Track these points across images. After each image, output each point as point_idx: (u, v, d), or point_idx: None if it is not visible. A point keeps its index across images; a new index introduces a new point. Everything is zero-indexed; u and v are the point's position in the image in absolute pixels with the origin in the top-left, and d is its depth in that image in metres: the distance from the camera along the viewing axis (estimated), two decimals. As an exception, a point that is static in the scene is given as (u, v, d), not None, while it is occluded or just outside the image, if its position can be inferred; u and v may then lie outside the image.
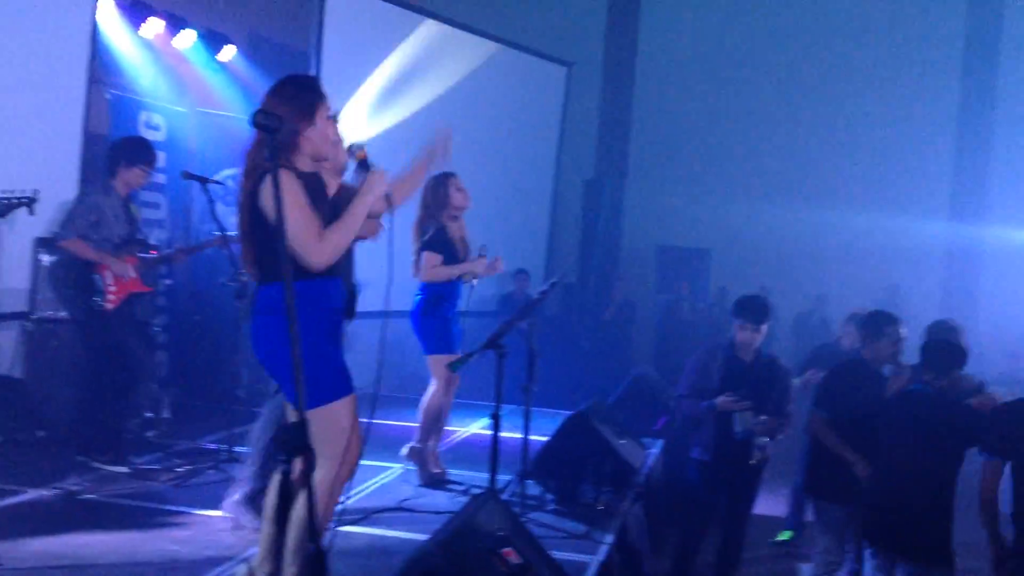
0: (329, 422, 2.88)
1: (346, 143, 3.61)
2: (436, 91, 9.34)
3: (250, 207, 2.88)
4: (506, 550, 2.97)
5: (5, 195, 3.77)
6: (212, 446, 5.50)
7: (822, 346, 6.89)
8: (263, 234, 2.86)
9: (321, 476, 2.85)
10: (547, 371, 8.80)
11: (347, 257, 3.49)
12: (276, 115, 2.27)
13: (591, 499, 4.92)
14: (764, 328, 4.96)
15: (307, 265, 2.87)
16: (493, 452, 4.11)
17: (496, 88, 10.19)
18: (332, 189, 3.14)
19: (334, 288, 3.05)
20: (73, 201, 5.05)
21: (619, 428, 5.52)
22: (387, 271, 3.00)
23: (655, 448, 6.23)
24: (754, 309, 4.98)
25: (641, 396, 7.20)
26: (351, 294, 4.41)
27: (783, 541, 6.46)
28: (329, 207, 3.04)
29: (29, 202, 3.82)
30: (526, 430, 4.65)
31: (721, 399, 4.86)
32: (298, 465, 2.95)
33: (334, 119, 3.16)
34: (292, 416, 2.98)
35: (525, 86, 10.75)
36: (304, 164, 3.00)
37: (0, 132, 5.46)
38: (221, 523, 4.19)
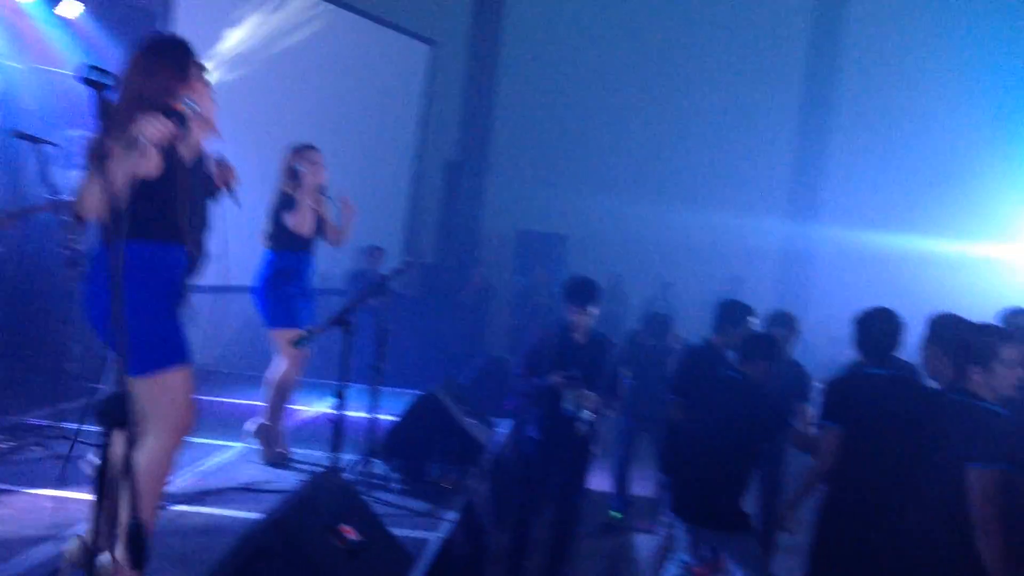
0: (163, 391, 2.79)
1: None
2: (291, 60, 9.11)
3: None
4: (344, 527, 2.96)
5: None
6: (38, 422, 5.21)
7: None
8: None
9: (153, 447, 2.76)
10: (401, 352, 8.80)
11: (197, 226, 3.37)
12: (107, 71, 2.16)
13: (437, 477, 4.96)
14: (592, 310, 5.11)
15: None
16: (336, 430, 4.07)
17: (355, 62, 10.02)
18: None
19: (175, 254, 2.94)
20: None
21: (469, 408, 5.57)
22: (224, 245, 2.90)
23: (505, 428, 6.33)
24: (582, 292, 5.13)
25: (494, 377, 7.32)
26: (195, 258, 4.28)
27: (613, 520, 6.71)
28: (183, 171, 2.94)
29: None
30: (373, 409, 4.63)
31: (551, 376, 4.99)
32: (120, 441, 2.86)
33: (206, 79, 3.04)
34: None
35: (386, 62, 10.61)
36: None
37: None
38: (45, 501, 3.98)
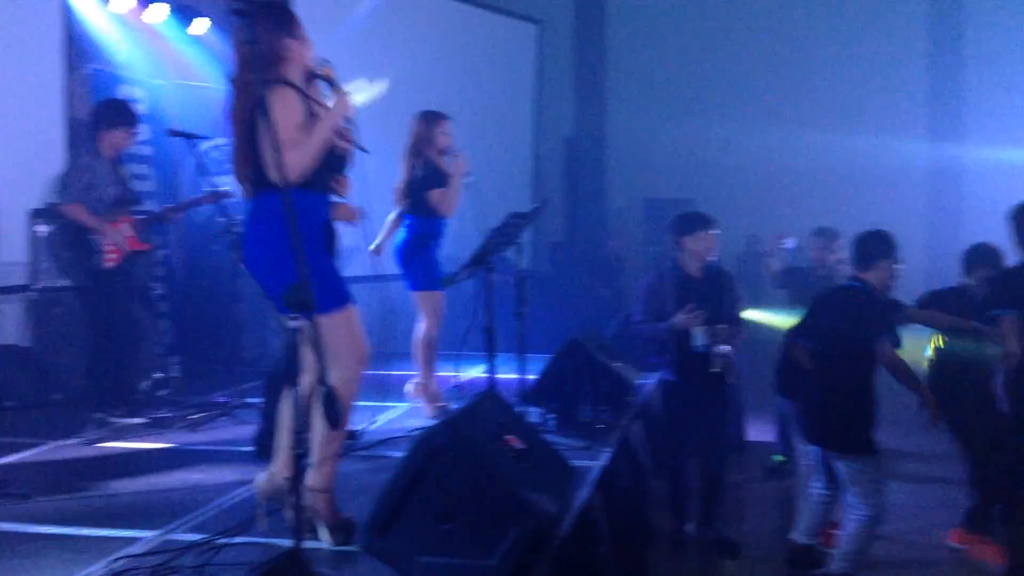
0: (338, 327, 3.05)
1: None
2: (405, 55, 9.44)
3: (247, 118, 3.02)
4: (509, 437, 3.15)
5: None
6: (222, 398, 5.67)
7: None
8: (256, 145, 3.00)
9: (337, 379, 3.01)
10: (537, 327, 8.98)
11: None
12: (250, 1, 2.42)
13: (590, 418, 5.09)
14: (703, 235, 5.09)
15: (270, 177, 2.99)
16: (490, 363, 4.26)
17: (465, 49, 10.26)
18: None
19: (320, 203, 3.20)
20: (65, 167, 5.18)
21: (613, 354, 5.68)
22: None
23: (651, 379, 6.41)
24: (689, 219, 5.15)
25: (633, 334, 7.38)
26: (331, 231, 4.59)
27: (777, 464, 6.66)
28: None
29: None
30: (521, 352, 4.80)
31: (676, 317, 4.98)
32: (308, 378, 3.16)
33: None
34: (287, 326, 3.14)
35: (495, 46, 10.82)
36: (296, 79, 3.14)
37: None
38: (239, 457, 4.38)
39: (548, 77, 11.91)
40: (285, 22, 3.14)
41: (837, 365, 4.36)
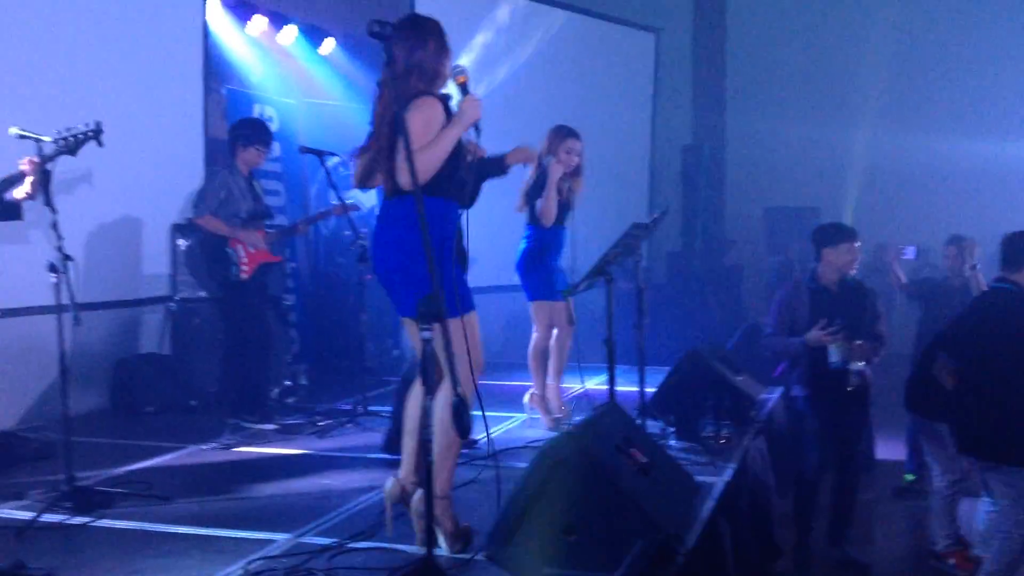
0: (458, 333, 3.10)
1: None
2: (525, 66, 9.54)
3: (391, 125, 3.12)
4: (632, 450, 3.13)
5: (70, 131, 3.84)
6: (347, 406, 5.84)
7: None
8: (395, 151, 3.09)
9: (446, 397, 3.05)
10: (656, 337, 8.89)
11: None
12: (386, 22, 2.49)
13: (712, 433, 5.01)
14: (846, 248, 4.94)
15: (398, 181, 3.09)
16: (610, 375, 4.25)
17: (584, 59, 10.29)
18: None
19: (453, 212, 3.26)
20: (203, 182, 5.44)
21: (735, 367, 5.58)
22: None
23: (775, 393, 6.26)
24: (830, 232, 5.00)
25: (755, 346, 7.22)
26: (464, 255, 4.68)
27: (907, 484, 6.40)
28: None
29: (95, 134, 3.87)
30: (641, 363, 4.76)
31: (812, 333, 4.83)
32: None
33: None
34: (411, 330, 3.21)
35: (612, 56, 10.81)
36: (437, 90, 3.26)
37: (128, 133, 5.84)
38: (365, 463, 4.51)
39: (666, 86, 11.80)
40: (425, 36, 3.24)
41: (992, 371, 4.17)
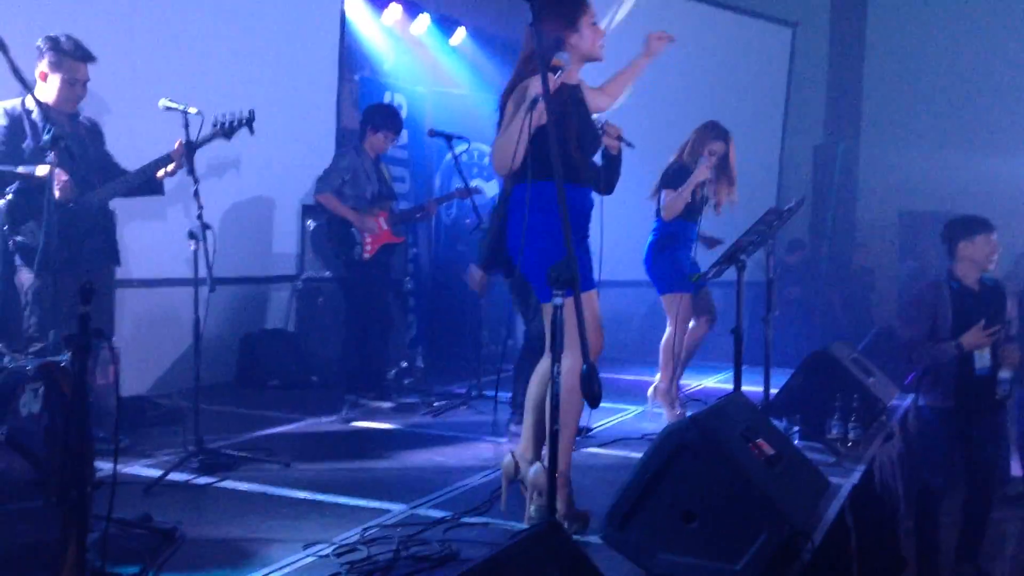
0: (571, 314, 3.04)
1: None
2: (660, 59, 9.37)
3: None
4: (760, 441, 3.00)
5: (226, 117, 4.07)
6: (462, 390, 5.86)
7: None
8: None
9: (571, 365, 3.02)
10: (779, 335, 8.56)
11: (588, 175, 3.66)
12: None
13: (839, 434, 4.79)
14: (983, 239, 4.64)
15: None
16: (736, 366, 4.11)
17: (718, 52, 10.06)
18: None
19: (575, 193, 3.19)
20: (330, 162, 5.53)
21: (866, 368, 5.33)
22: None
23: (907, 400, 5.96)
24: (964, 223, 4.68)
25: (887, 350, 6.90)
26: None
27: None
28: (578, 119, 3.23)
29: (248, 121, 4.10)
30: (767, 358, 4.59)
31: (971, 334, 4.50)
32: (547, 362, 3.18)
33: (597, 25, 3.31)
34: (546, 316, 3.18)
35: (748, 50, 10.53)
36: (571, 72, 3.20)
37: (266, 117, 5.95)
38: (480, 444, 4.51)
39: (800, 82, 11.42)
40: (571, 14, 3.20)
41: None
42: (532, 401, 3.26)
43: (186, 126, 3.91)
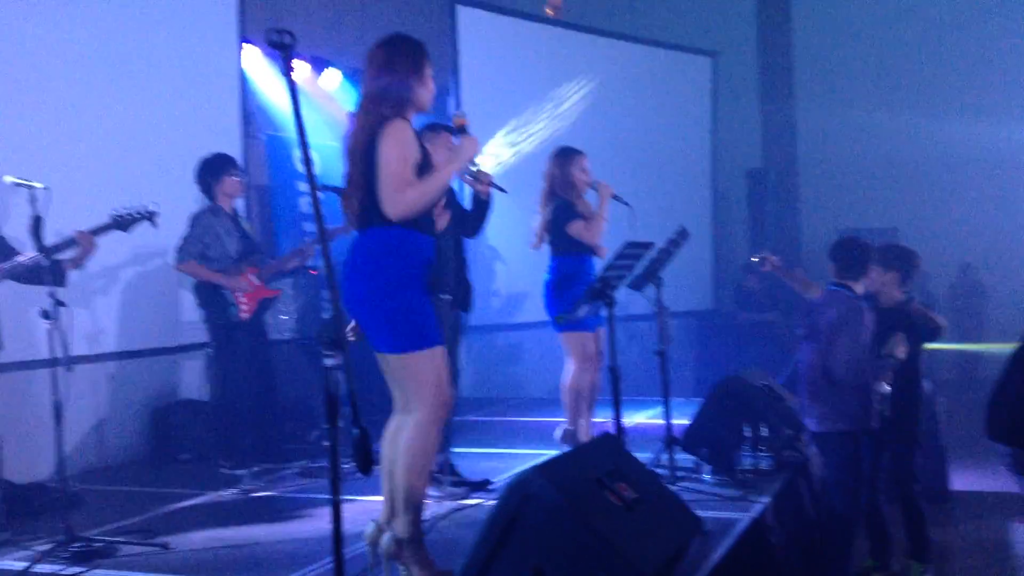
0: (418, 369, 2.99)
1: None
2: (577, 99, 9.44)
3: (363, 153, 3.03)
4: (621, 485, 2.90)
5: (127, 210, 4.10)
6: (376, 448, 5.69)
7: None
8: (369, 181, 3.01)
9: (416, 420, 2.95)
10: (716, 365, 8.51)
11: (448, 232, 3.62)
12: (288, 32, 2.37)
13: (749, 466, 4.70)
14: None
15: (384, 213, 2.98)
16: (615, 405, 4.02)
17: (638, 86, 10.13)
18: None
19: (425, 243, 3.13)
20: (185, 228, 5.29)
21: (777, 396, 5.23)
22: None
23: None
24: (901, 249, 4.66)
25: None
26: (466, 286, 4.54)
27: None
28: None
29: (150, 216, 4.12)
30: (666, 393, 4.52)
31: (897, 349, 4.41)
32: (395, 422, 3.10)
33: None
34: (385, 367, 3.10)
35: (668, 82, 10.60)
36: (412, 118, 3.16)
37: (169, 182, 5.80)
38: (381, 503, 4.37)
39: (727, 110, 11.47)
40: (418, 62, 3.15)
41: None
42: (385, 465, 3.16)
43: (32, 201, 3.79)
